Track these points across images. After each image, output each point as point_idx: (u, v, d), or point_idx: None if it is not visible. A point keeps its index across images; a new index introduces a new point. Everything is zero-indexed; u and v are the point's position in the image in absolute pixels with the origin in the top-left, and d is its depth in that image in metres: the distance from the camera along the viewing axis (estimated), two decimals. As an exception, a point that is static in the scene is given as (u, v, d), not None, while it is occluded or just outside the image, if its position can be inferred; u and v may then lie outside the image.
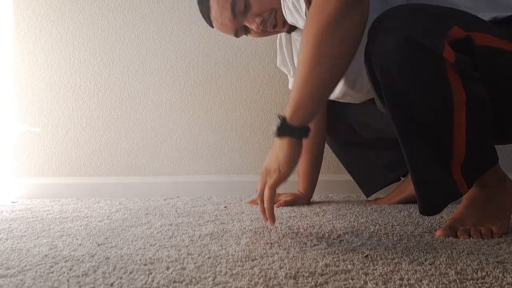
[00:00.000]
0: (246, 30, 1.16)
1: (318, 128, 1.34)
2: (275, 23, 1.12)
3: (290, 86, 1.42)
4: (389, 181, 1.37)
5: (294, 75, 0.85)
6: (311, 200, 1.40)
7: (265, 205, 0.86)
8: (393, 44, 0.79)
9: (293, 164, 0.85)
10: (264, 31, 1.14)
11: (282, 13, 1.08)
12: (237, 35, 1.16)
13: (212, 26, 1.17)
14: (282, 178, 0.85)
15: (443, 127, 0.81)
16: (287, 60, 1.33)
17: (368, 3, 0.81)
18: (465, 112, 0.80)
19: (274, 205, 1.29)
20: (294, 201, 1.33)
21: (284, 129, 0.84)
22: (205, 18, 1.16)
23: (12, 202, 1.46)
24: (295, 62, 1.27)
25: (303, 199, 1.36)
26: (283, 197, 1.34)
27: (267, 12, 1.10)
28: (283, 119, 0.84)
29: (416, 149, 0.84)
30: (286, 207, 1.30)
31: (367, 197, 1.41)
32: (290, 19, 1.05)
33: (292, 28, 1.15)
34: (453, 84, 0.79)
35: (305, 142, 1.38)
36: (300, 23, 1.03)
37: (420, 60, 0.78)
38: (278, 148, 0.86)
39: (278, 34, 1.32)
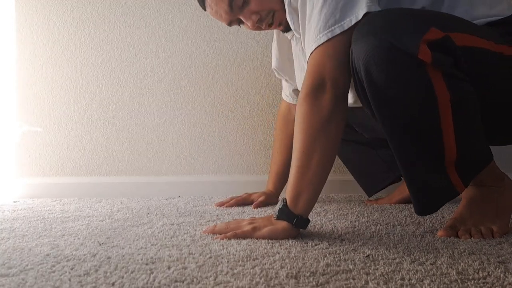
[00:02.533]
0: (240, 22, 1.12)
1: None
2: (271, 22, 1.10)
3: (283, 95, 1.42)
4: (390, 180, 1.36)
5: (292, 161, 0.90)
6: None
7: (217, 230, 0.92)
8: (371, 48, 0.79)
9: (270, 239, 0.87)
10: (259, 27, 1.12)
11: (281, 14, 1.06)
12: (230, 25, 1.13)
13: (205, 10, 1.13)
14: (249, 236, 0.88)
15: (431, 127, 0.82)
16: (283, 60, 1.32)
17: (346, 101, 0.90)
18: (451, 110, 0.80)
19: (251, 206, 1.30)
20: (267, 201, 1.34)
21: (283, 213, 0.88)
22: (198, 1, 1.12)
23: (14, 202, 1.46)
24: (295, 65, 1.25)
25: (274, 197, 1.37)
26: (255, 197, 1.35)
27: (265, 12, 1.08)
28: (285, 203, 0.88)
29: (406, 150, 0.84)
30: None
31: (369, 197, 1.41)
32: (289, 20, 1.02)
33: (287, 29, 1.11)
34: (435, 83, 0.79)
35: (285, 142, 1.39)
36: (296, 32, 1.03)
37: (398, 62, 0.79)
38: (273, 223, 0.89)
39: (274, 35, 1.31)
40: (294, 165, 0.88)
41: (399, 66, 0.79)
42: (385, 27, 0.80)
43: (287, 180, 1.35)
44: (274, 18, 1.09)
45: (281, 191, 1.39)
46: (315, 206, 1.30)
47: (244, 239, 0.87)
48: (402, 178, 1.38)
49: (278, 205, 0.89)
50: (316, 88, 0.87)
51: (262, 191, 1.39)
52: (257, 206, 1.30)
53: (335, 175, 1.60)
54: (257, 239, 0.87)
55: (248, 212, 1.20)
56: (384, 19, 0.81)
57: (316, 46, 0.87)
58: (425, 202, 0.87)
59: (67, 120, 1.63)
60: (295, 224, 0.87)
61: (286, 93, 1.40)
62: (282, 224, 0.87)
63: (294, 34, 1.12)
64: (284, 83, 1.40)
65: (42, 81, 1.63)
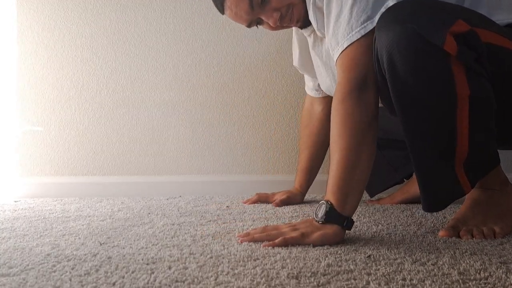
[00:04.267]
0: (259, 22, 1.10)
1: (323, 125, 1.34)
2: (291, 18, 1.07)
3: (306, 89, 1.40)
4: (394, 182, 1.36)
5: (331, 159, 0.87)
6: (308, 199, 1.40)
7: (257, 237, 0.85)
8: (396, 36, 0.78)
9: (322, 245, 0.83)
10: (279, 26, 1.09)
11: (299, 9, 1.05)
12: (249, 26, 1.10)
13: (223, 14, 1.10)
14: (299, 242, 0.82)
15: (447, 121, 0.81)
16: (303, 59, 1.30)
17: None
18: (468, 107, 0.79)
19: (272, 204, 1.30)
20: (290, 199, 1.33)
21: (332, 216, 0.84)
22: (216, 5, 1.09)
23: (15, 201, 1.46)
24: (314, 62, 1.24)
25: (298, 196, 1.36)
26: (278, 196, 1.34)
27: (285, 8, 1.05)
28: (331, 205, 0.84)
29: (420, 143, 0.84)
30: (287, 206, 1.30)
31: (371, 197, 1.41)
32: (312, 19, 1.02)
33: (305, 25, 1.09)
34: (456, 77, 0.78)
35: (310, 138, 1.37)
36: (318, 25, 1.01)
37: (423, 52, 0.78)
38: (320, 227, 0.84)
39: (293, 33, 1.29)
40: (339, 164, 0.85)
41: (423, 56, 0.78)
42: (411, 15, 0.79)
43: (313, 177, 1.38)
44: (293, 13, 1.06)
45: (307, 189, 1.37)
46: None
47: (294, 246, 0.82)
48: (405, 180, 1.37)
49: (323, 208, 0.84)
50: (360, 84, 0.86)
51: (287, 189, 1.38)
52: (277, 205, 1.29)
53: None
54: (307, 245, 0.82)
55: (249, 212, 1.20)
56: (410, 8, 0.80)
57: (349, 43, 0.87)
58: (432, 199, 0.86)
59: (68, 119, 1.63)
60: (345, 226, 0.84)
61: (310, 87, 1.38)
62: (333, 228, 0.83)
63: (313, 31, 1.10)
64: (306, 77, 1.38)
65: (43, 81, 1.63)
